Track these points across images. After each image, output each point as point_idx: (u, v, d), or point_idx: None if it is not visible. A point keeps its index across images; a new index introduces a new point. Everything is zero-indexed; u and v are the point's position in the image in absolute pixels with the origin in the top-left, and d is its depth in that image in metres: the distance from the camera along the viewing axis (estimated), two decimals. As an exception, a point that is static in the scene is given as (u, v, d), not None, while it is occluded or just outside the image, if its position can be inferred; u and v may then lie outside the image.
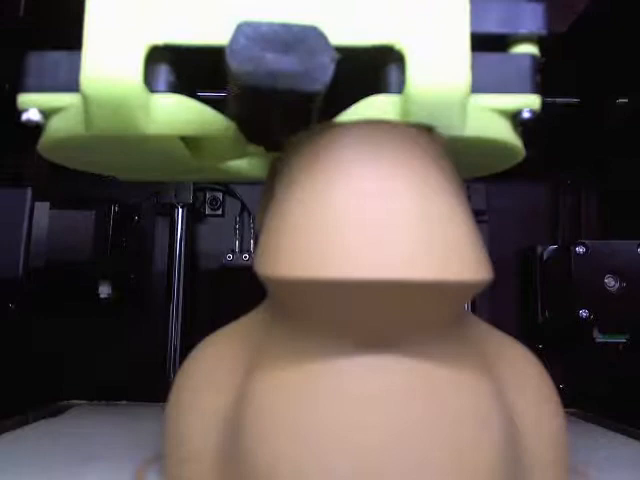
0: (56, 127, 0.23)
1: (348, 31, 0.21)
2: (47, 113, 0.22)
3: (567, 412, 0.26)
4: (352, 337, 0.21)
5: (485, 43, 0.22)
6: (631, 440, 0.38)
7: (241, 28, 0.18)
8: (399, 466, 0.20)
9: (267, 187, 0.27)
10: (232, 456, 0.22)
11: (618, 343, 0.47)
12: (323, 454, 0.20)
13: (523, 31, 0.23)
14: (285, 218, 0.22)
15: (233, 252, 0.56)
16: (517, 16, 0.23)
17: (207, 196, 0.57)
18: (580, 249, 0.47)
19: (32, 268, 0.43)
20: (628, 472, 0.30)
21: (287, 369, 0.22)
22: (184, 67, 0.22)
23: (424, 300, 0.20)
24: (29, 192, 0.44)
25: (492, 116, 0.22)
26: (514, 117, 0.23)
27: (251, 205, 0.57)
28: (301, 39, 0.18)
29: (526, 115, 0.22)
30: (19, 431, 0.37)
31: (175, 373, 0.27)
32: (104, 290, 0.48)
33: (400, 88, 0.21)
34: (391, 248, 0.19)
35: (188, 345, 0.52)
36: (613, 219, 0.55)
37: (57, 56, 0.22)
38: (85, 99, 0.21)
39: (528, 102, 0.22)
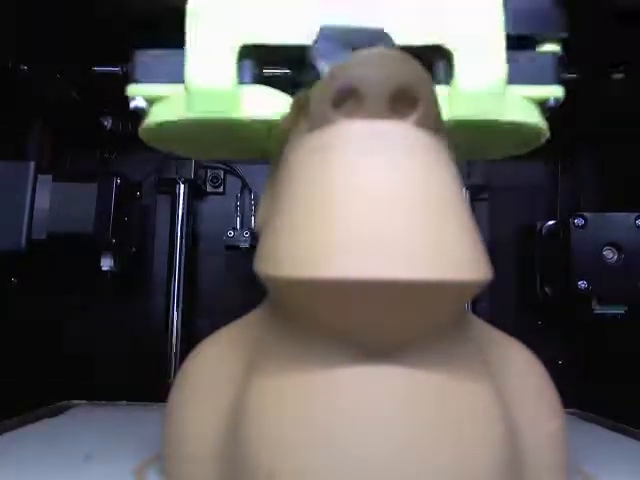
0: (160, 112, 0.27)
1: (408, 34, 0.26)
2: (150, 101, 0.27)
3: (567, 412, 0.26)
4: (352, 337, 0.21)
5: (518, 42, 0.27)
6: (631, 440, 0.38)
7: (323, 31, 0.24)
8: (400, 467, 0.20)
9: (269, 184, 0.27)
10: (232, 456, 0.22)
11: (616, 314, 0.47)
12: (323, 454, 0.20)
13: (548, 33, 0.27)
14: (285, 216, 0.21)
15: (234, 229, 0.56)
16: (542, 20, 0.27)
17: (208, 174, 0.58)
18: (579, 221, 0.47)
19: (34, 240, 0.43)
20: (628, 472, 0.30)
21: (287, 369, 0.22)
22: (263, 60, 0.27)
23: (425, 300, 0.20)
24: (32, 165, 0.44)
25: (525, 103, 0.26)
26: (542, 104, 0.27)
27: (252, 183, 0.58)
28: (372, 41, 0.23)
29: (552, 103, 0.27)
30: (19, 431, 0.37)
31: (175, 371, 0.27)
32: (106, 263, 0.48)
33: (448, 80, 0.26)
34: (392, 248, 0.19)
35: (190, 327, 0.53)
36: (611, 192, 0.55)
37: (160, 53, 0.27)
38: (189, 91, 0.26)
39: (554, 92, 0.27)
